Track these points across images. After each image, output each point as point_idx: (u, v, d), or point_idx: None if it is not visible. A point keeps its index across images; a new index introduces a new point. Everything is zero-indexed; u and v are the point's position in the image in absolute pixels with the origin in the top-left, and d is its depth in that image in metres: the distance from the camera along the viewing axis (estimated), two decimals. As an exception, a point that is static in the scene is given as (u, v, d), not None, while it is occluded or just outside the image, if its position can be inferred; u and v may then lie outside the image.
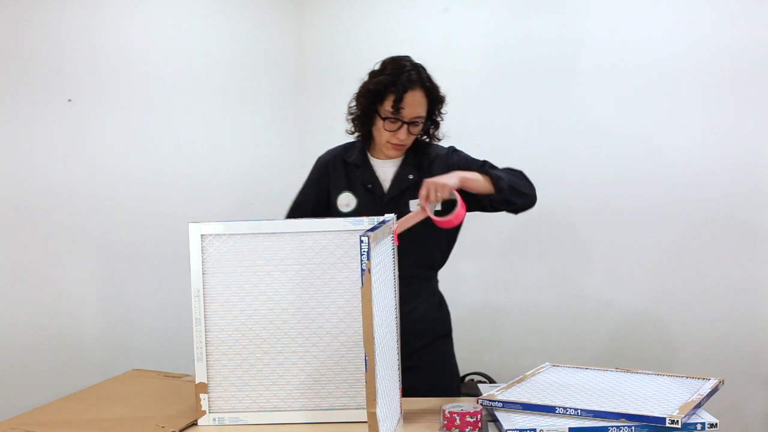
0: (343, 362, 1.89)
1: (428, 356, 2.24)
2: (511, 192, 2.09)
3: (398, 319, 1.89)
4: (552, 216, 3.19)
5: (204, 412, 1.88)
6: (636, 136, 3.14)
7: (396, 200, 2.20)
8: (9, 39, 2.38)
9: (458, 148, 2.31)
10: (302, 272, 1.90)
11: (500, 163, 2.25)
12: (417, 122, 2.14)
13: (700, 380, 1.96)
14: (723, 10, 2.96)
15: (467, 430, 1.78)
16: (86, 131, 2.62)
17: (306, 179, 2.36)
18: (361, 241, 1.49)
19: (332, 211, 2.25)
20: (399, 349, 1.88)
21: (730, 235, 3.03)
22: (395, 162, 2.23)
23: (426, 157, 2.24)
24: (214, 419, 1.89)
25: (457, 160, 2.25)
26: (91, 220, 2.64)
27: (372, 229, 1.58)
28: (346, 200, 2.22)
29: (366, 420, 1.66)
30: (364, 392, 1.88)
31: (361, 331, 1.87)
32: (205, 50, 3.17)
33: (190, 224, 1.90)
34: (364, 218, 1.89)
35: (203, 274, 1.89)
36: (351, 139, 2.33)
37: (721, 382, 1.96)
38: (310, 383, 1.89)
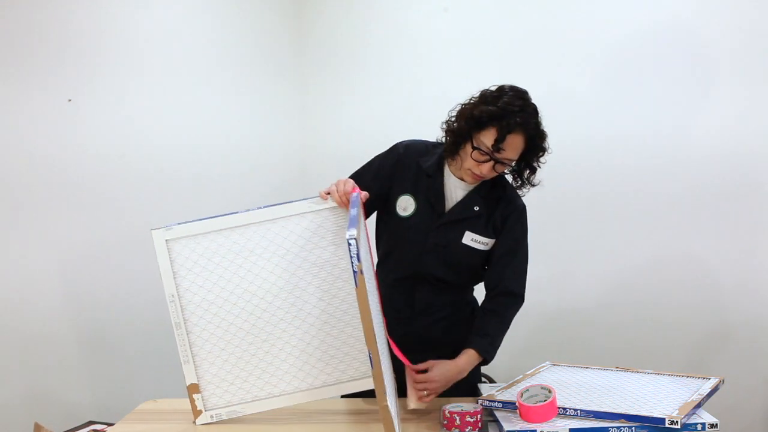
0: (329, 339, 1.93)
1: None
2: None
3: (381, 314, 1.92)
4: (552, 216, 3.16)
5: (200, 411, 1.91)
6: (636, 137, 3.10)
7: (451, 225, 2.08)
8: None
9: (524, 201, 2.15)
10: (273, 259, 1.90)
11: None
12: (505, 163, 2.00)
13: (700, 380, 1.95)
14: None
15: (467, 430, 1.80)
16: (78, 126, 2.56)
17: (378, 162, 2.16)
18: (349, 244, 1.50)
19: (388, 206, 2.13)
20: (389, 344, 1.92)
21: (731, 234, 3.02)
22: (468, 186, 2.10)
23: (499, 196, 2.11)
24: (211, 416, 1.91)
25: (507, 234, 2.11)
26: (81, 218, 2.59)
27: (351, 226, 1.58)
28: (405, 204, 2.09)
29: (360, 390, 1.92)
30: (354, 365, 1.95)
31: (342, 307, 1.93)
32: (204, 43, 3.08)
33: (152, 231, 1.86)
34: (328, 199, 1.89)
35: (175, 278, 1.87)
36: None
37: (721, 382, 1.95)
38: (300, 365, 1.93)
